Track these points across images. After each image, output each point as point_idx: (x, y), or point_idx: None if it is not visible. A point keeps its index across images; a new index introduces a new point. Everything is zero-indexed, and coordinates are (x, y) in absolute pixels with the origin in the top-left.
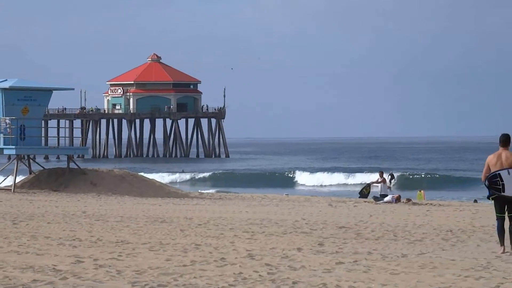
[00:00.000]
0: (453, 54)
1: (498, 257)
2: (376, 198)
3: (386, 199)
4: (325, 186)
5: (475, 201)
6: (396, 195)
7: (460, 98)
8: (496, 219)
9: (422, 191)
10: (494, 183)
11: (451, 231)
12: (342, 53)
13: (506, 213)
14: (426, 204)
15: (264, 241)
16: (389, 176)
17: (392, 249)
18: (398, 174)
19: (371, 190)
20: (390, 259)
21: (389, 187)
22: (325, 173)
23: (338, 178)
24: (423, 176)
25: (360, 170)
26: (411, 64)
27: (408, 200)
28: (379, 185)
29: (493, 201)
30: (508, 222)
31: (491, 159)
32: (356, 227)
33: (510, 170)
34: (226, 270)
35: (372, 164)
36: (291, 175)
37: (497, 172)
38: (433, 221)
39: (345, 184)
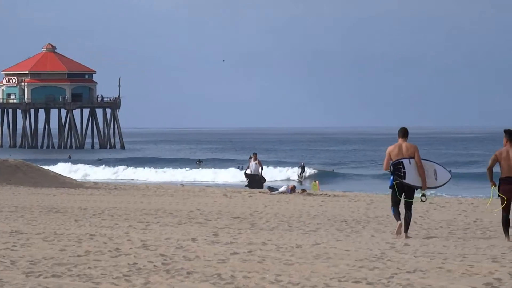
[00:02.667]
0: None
1: (392, 248)
2: (270, 189)
3: (281, 189)
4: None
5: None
6: (291, 185)
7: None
8: (391, 206)
9: (316, 181)
10: (397, 169)
11: (345, 221)
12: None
13: (403, 198)
14: (320, 194)
15: (158, 232)
16: (300, 169)
17: (287, 239)
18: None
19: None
20: (285, 250)
21: (300, 180)
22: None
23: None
24: (317, 171)
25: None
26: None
27: (303, 190)
28: (252, 166)
29: (391, 189)
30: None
31: (392, 149)
32: (251, 217)
33: (411, 159)
34: (120, 260)
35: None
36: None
37: (400, 160)
38: (328, 211)
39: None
